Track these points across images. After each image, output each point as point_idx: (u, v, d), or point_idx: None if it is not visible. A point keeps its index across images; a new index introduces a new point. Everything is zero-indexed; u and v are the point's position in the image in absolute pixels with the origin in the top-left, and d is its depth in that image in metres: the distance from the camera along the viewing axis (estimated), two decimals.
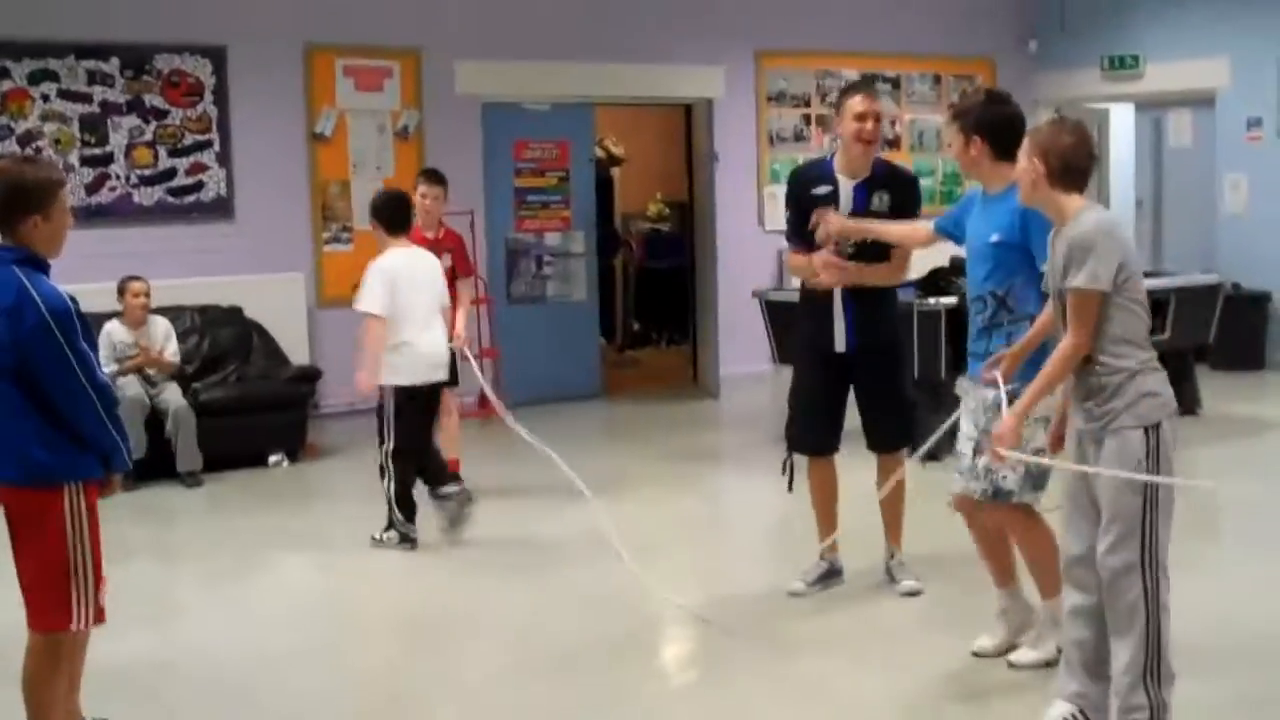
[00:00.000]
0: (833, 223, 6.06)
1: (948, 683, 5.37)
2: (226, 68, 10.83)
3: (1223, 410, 10.79)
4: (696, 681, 5.77)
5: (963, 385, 5.53)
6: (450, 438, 8.30)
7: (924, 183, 13.79)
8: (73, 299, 4.37)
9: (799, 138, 13.42)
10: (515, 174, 12.07)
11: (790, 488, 6.54)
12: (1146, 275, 12.04)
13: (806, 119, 13.46)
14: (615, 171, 15.76)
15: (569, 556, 7.26)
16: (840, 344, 6.24)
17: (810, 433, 6.42)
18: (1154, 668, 4.48)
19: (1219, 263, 12.63)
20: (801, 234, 6.27)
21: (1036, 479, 5.32)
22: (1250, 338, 12.61)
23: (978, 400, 5.32)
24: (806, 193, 6.28)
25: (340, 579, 7.16)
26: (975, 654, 5.54)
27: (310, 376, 10.23)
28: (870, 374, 6.31)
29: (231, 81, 10.85)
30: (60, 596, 4.38)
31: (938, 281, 9.52)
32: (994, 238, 5.28)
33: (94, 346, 4.45)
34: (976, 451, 5.30)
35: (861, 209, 6.16)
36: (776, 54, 13.20)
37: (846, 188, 6.20)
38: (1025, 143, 4.68)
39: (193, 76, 10.73)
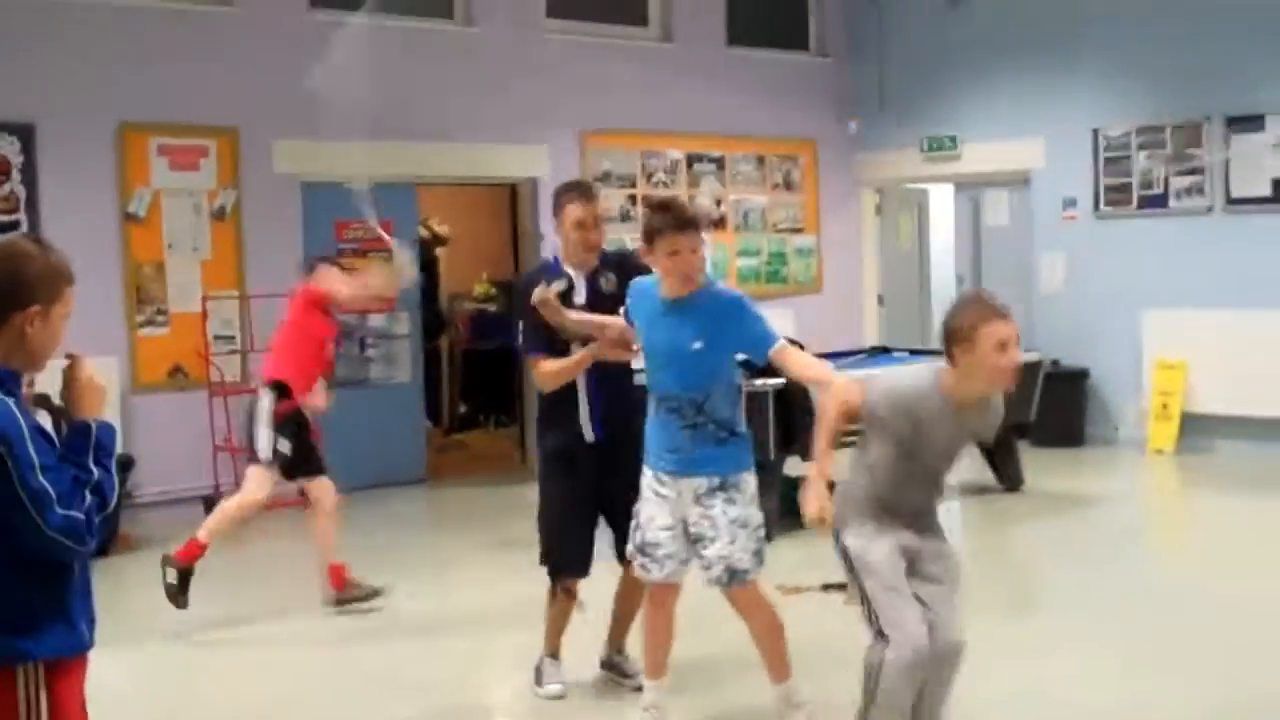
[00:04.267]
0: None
1: None
2: (35, 146, 10.47)
3: (1044, 486, 10.94)
4: None
5: (657, 478, 5.37)
6: (320, 540, 7.64)
7: (749, 262, 14.21)
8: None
9: (625, 218, 13.36)
10: (337, 254, 11.83)
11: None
12: None
13: (633, 199, 13.44)
14: (440, 251, 15.61)
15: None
16: (589, 433, 5.98)
17: (579, 547, 6.01)
18: None
19: (1038, 340, 12.80)
20: (541, 339, 5.97)
21: (761, 551, 5.33)
22: (1070, 414, 12.83)
23: (683, 491, 5.29)
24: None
25: (160, 671, 6.85)
26: None
27: (124, 465, 9.88)
28: (623, 467, 5.72)
29: (40, 160, 10.47)
30: None
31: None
32: (696, 345, 5.16)
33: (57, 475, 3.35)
34: (696, 540, 5.27)
35: (593, 295, 6.00)
36: (601, 133, 13.20)
37: (579, 280, 6.04)
38: None
39: None
